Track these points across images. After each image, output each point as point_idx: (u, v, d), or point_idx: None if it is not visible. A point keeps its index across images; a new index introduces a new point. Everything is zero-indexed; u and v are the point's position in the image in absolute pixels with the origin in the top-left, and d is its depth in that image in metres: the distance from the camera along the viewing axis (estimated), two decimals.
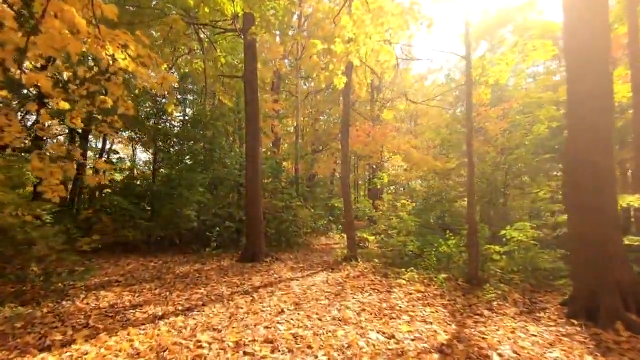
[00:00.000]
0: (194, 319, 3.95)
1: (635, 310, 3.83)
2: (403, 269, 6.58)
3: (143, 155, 16.42)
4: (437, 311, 4.36)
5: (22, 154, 7.15)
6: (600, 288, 3.90)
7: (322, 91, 18.34)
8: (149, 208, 9.45)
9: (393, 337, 3.43)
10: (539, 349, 3.20)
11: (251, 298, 4.87)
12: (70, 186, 10.35)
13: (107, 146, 13.77)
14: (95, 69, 4.77)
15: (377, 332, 3.56)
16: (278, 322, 3.83)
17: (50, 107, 6.62)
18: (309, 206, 12.95)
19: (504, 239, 6.46)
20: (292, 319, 3.96)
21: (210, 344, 3.21)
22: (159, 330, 3.56)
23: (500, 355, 3.05)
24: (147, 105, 10.01)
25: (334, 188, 19.50)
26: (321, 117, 20.71)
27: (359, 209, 18.11)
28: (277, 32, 12.54)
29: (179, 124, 11.58)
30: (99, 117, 7.05)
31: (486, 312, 4.31)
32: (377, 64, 9.56)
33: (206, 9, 6.79)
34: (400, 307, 4.51)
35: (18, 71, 3.43)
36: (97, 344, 3.19)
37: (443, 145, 12.24)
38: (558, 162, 8.78)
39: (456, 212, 10.06)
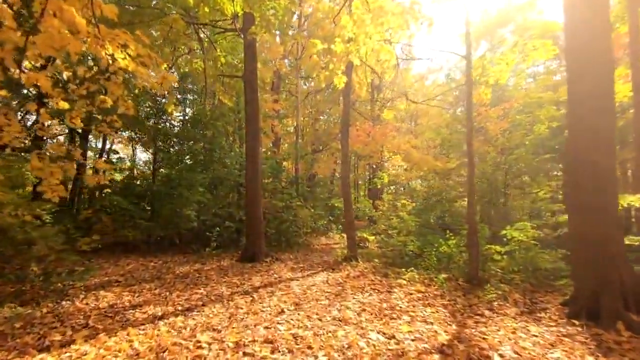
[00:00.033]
0: (193, 319, 3.94)
1: (637, 310, 3.83)
2: (403, 269, 6.57)
3: (143, 155, 16.44)
4: (437, 311, 4.35)
5: (22, 153, 7.14)
6: (601, 288, 3.89)
7: (322, 91, 18.33)
8: (149, 208, 9.44)
9: (393, 337, 3.42)
10: (540, 349, 3.19)
11: (251, 298, 4.86)
12: (70, 186, 10.35)
13: (107, 146, 13.78)
14: (95, 68, 4.76)
15: (378, 333, 3.55)
16: (278, 323, 3.82)
17: (50, 107, 6.62)
18: (309, 206, 12.94)
19: (504, 239, 6.45)
20: (292, 320, 3.95)
21: (210, 344, 3.20)
22: (159, 330, 3.55)
23: (501, 355, 3.04)
24: (147, 105, 10.00)
25: (334, 188, 19.48)
26: (321, 117, 20.69)
27: (359, 209, 18.10)
28: (277, 32, 12.53)
29: (179, 124, 11.58)
30: (99, 117, 7.06)
31: (487, 313, 4.30)
32: (378, 64, 9.55)
33: (206, 9, 6.78)
34: (400, 307, 4.50)
35: (17, 71, 3.43)
36: (97, 344, 3.18)
37: (443, 145, 12.23)
38: (558, 162, 8.77)
39: (456, 212, 10.05)
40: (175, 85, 11.29)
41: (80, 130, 10.06)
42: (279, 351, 3.08)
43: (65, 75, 5.67)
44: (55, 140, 10.88)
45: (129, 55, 3.68)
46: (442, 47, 41.37)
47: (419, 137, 15.79)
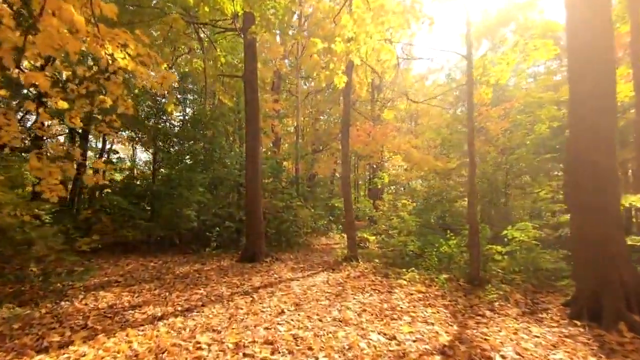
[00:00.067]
0: (193, 319, 3.92)
1: (639, 311, 3.80)
2: (404, 270, 6.55)
3: (143, 155, 16.44)
4: (438, 312, 4.33)
5: (22, 153, 7.13)
6: (603, 288, 3.87)
7: (322, 91, 18.32)
8: (148, 208, 9.43)
9: (394, 338, 3.40)
10: (542, 350, 3.17)
11: (251, 299, 4.84)
12: (70, 186, 10.33)
13: (107, 146, 13.74)
14: (95, 68, 4.76)
15: (378, 333, 3.53)
16: (278, 323, 3.80)
17: (49, 106, 6.59)
18: (309, 206, 12.92)
19: (505, 239, 6.43)
20: (292, 320, 3.93)
21: (209, 345, 3.18)
22: (158, 331, 3.54)
23: (502, 357, 3.02)
24: (147, 104, 9.99)
25: (334, 188, 19.48)
26: (321, 117, 20.69)
27: (359, 209, 18.08)
28: (278, 32, 12.54)
29: (179, 124, 11.57)
30: (99, 116, 7.04)
31: (488, 313, 4.28)
32: (378, 64, 9.53)
33: (206, 8, 6.77)
34: (401, 307, 4.48)
35: (16, 70, 3.42)
36: (95, 345, 3.16)
37: (444, 145, 12.21)
38: (559, 162, 8.74)
39: (457, 212, 10.03)
40: (175, 85, 11.29)
41: (80, 130, 10.04)
42: (279, 352, 3.06)
43: (65, 74, 5.66)
44: (54, 140, 10.86)
45: (129, 55, 3.67)
46: (443, 46, 41.40)
47: (419, 137, 15.77)
